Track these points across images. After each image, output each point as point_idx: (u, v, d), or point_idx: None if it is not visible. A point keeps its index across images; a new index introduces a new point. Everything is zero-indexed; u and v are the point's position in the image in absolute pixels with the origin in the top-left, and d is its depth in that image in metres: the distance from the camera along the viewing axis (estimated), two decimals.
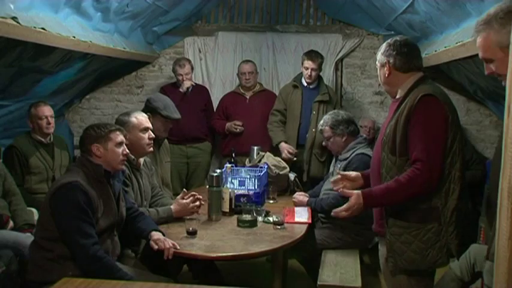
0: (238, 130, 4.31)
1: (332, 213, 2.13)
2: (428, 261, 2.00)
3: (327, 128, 3.32)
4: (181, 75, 4.36)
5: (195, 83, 4.54)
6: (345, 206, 2.08)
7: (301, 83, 4.14)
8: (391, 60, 2.11)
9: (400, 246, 2.04)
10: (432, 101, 1.98)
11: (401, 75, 2.12)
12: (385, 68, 2.13)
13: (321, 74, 4.25)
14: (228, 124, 4.34)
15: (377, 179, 2.15)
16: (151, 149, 2.84)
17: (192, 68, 4.49)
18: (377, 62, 2.20)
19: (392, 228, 2.06)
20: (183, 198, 2.82)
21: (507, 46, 1.26)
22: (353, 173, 2.38)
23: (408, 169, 1.98)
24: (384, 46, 2.16)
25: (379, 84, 4.78)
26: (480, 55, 1.61)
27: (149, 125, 2.83)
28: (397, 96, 2.15)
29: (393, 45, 2.12)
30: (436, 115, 1.97)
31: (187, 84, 4.34)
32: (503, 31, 1.49)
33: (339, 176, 2.34)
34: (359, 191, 2.07)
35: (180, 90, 4.33)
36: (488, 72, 1.63)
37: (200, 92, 4.55)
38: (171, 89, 4.39)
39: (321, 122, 3.41)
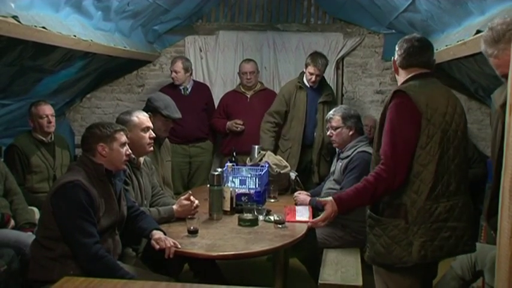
0: (239, 129, 4.30)
1: (309, 224, 2.18)
2: (394, 257, 2.02)
3: (337, 117, 3.24)
4: (171, 71, 4.38)
5: (194, 81, 4.54)
6: (322, 216, 2.15)
7: (304, 83, 4.12)
8: (396, 57, 2.17)
9: (372, 238, 2.10)
10: (402, 97, 2.00)
11: (402, 71, 2.16)
12: (393, 66, 2.20)
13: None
14: (228, 123, 4.34)
15: None
16: (152, 148, 2.84)
17: (186, 67, 4.39)
18: None
19: (369, 219, 2.13)
20: (186, 200, 2.80)
21: None
22: None
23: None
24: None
25: (380, 83, 4.87)
26: None
27: (150, 124, 2.82)
28: None
29: (399, 43, 2.16)
30: (404, 112, 1.99)
31: (176, 81, 4.36)
32: None
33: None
34: (331, 198, 2.13)
35: (178, 87, 4.35)
36: None
37: (201, 90, 4.54)
38: (169, 89, 4.35)
39: (331, 111, 3.35)
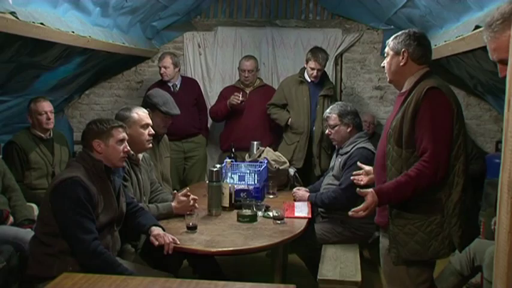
0: (239, 101, 4.17)
1: (350, 213, 2.14)
2: (431, 252, 2.03)
3: (334, 115, 3.25)
4: (160, 67, 4.35)
5: (182, 76, 4.51)
6: (363, 205, 2.10)
7: (305, 78, 4.12)
8: (411, 50, 2.12)
9: (404, 237, 2.07)
10: (438, 94, 2.01)
11: (415, 66, 2.13)
12: (401, 57, 2.13)
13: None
14: (229, 99, 4.22)
15: (380, 172, 2.18)
16: (151, 145, 2.83)
17: (175, 63, 4.35)
18: (389, 50, 2.19)
19: (396, 219, 2.09)
20: (184, 196, 2.80)
21: None
22: (367, 167, 2.47)
23: (416, 162, 2.01)
24: (402, 35, 2.16)
25: (379, 79, 4.86)
26: (500, 56, 1.55)
27: (150, 121, 2.82)
28: (403, 89, 2.16)
29: (413, 35, 2.13)
30: (442, 108, 2.00)
31: (165, 77, 4.31)
32: None
33: (361, 171, 2.51)
34: (372, 190, 2.11)
35: (167, 84, 4.32)
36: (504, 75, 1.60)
37: (190, 86, 4.50)
38: (157, 87, 4.30)
39: (328, 110, 3.36)
